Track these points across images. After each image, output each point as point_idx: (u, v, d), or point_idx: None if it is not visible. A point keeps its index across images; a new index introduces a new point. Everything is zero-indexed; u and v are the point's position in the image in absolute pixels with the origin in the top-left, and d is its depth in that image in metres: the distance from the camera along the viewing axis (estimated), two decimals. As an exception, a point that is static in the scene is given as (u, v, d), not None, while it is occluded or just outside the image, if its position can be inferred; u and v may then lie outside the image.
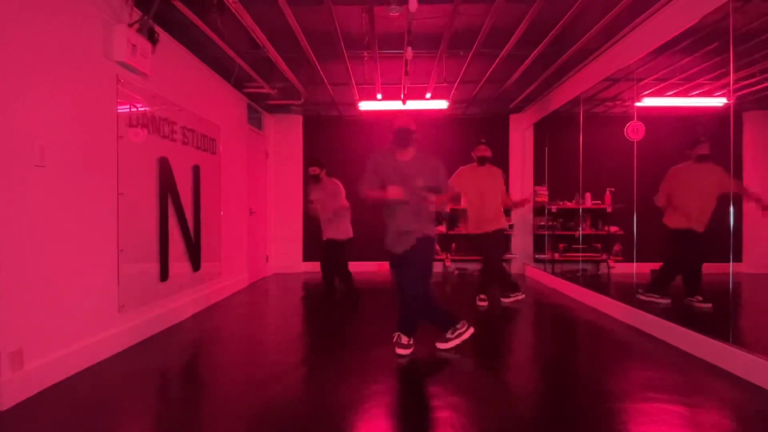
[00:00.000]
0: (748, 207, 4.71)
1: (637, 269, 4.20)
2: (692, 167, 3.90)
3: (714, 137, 3.69)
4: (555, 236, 6.33)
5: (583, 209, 5.99)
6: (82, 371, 2.63)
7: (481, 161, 4.48)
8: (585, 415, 2.10)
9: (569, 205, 6.28)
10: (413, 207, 2.90)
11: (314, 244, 6.99)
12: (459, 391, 2.39)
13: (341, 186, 4.66)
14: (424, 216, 2.98)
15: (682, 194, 3.99)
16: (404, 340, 2.95)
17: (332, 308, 4.48)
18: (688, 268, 4.05)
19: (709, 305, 3.81)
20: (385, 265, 6.95)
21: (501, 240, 4.76)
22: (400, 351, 2.92)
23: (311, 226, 6.98)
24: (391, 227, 2.97)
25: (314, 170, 4.72)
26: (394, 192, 2.81)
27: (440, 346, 3.02)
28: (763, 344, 2.68)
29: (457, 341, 3.03)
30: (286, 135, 6.97)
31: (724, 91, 3.05)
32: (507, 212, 4.80)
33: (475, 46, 4.06)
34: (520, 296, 4.57)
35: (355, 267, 6.93)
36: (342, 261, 4.80)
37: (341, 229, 4.73)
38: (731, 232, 2.84)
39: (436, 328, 3.07)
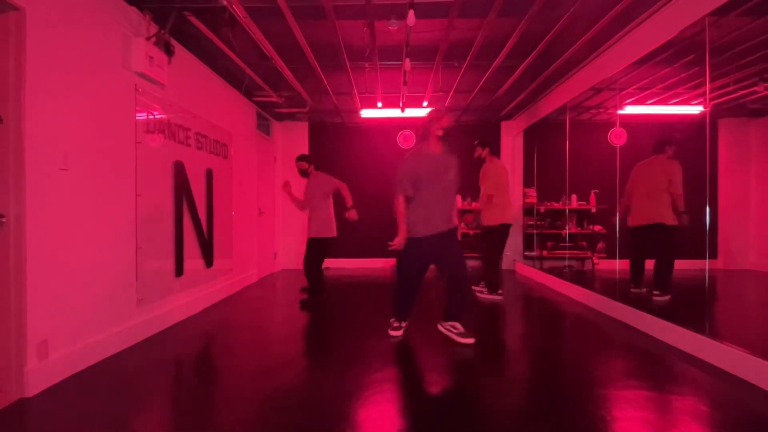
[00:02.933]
0: (724, 206, 4.72)
1: (619, 266, 4.21)
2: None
3: (691, 143, 3.69)
4: (543, 235, 6.32)
5: (569, 209, 5.99)
6: (103, 360, 2.64)
7: (479, 162, 4.62)
8: (571, 400, 2.10)
9: (556, 205, 6.28)
10: (446, 198, 2.98)
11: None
12: (454, 378, 2.39)
13: (329, 177, 4.23)
14: (451, 208, 3.06)
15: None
16: (460, 327, 3.02)
17: (335, 302, 4.47)
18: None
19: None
20: (387, 262, 6.95)
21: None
22: (466, 341, 2.96)
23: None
24: (425, 214, 2.97)
25: (302, 165, 4.29)
26: (398, 242, 3.01)
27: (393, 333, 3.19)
28: (735, 336, 2.68)
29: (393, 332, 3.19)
30: (293, 141, 6.97)
31: (701, 99, 3.05)
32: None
33: (468, 58, 4.06)
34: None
35: (362, 264, 6.99)
36: (312, 261, 4.20)
37: (317, 227, 4.19)
38: (707, 230, 2.85)
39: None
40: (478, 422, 1.89)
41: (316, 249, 4.18)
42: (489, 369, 2.56)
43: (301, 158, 4.33)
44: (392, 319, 3.26)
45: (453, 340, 3.02)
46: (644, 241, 3.98)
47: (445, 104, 5.69)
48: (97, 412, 1.99)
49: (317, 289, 4.25)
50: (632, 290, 4.01)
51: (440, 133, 2.98)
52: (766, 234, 4.77)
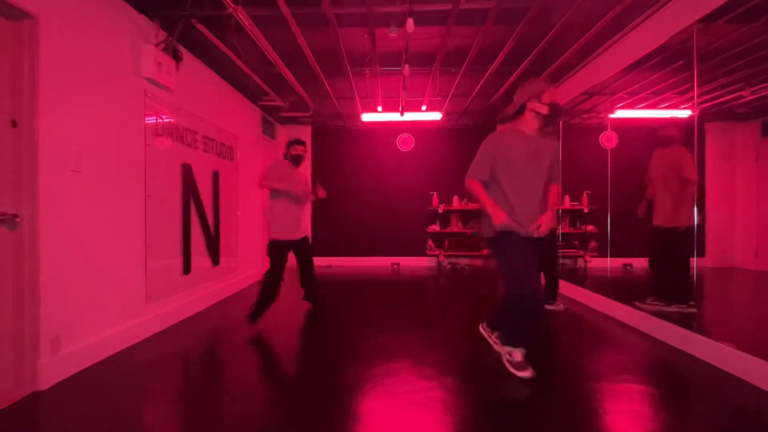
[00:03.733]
0: (711, 206, 4.66)
1: (610, 264, 4.21)
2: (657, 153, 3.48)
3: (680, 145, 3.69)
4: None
5: (562, 210, 5.99)
6: (112, 355, 2.64)
7: None
8: (565, 394, 2.10)
9: (550, 206, 6.26)
10: (536, 192, 2.29)
11: (321, 241, 7.00)
12: (451, 373, 2.39)
13: None
14: (542, 206, 2.32)
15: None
16: (519, 356, 2.31)
17: (338, 300, 4.47)
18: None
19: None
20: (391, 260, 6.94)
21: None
22: (525, 374, 2.24)
23: (318, 225, 6.99)
24: (507, 210, 2.26)
25: (302, 149, 3.59)
26: (500, 218, 2.18)
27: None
28: (721, 331, 2.68)
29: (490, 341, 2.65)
30: (296, 143, 6.96)
31: (689, 104, 3.05)
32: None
33: (465, 63, 4.06)
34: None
35: (366, 262, 6.99)
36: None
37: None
38: (695, 228, 2.84)
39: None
40: (475, 414, 1.88)
41: (310, 248, 3.76)
42: (484, 362, 2.56)
43: (302, 143, 3.65)
44: (507, 349, 2.37)
45: (489, 345, 2.66)
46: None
47: (443, 108, 5.69)
48: (108, 405, 1.99)
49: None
50: (658, 302, 3.22)
51: (543, 109, 2.24)
52: (750, 233, 4.77)
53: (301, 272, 3.73)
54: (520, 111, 2.34)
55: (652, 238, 3.47)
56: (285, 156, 3.62)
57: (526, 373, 2.24)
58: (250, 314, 3.31)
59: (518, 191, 2.28)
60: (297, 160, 3.59)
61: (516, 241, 2.25)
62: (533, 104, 2.27)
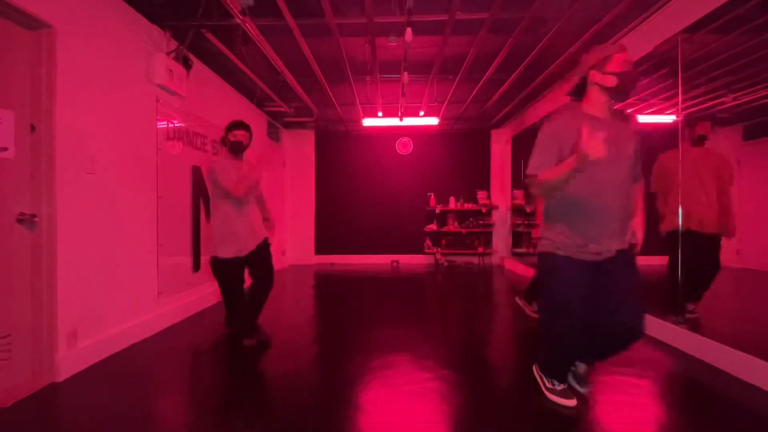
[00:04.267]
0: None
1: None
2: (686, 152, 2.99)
3: (665, 149, 3.69)
4: (530, 233, 6.33)
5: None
6: (126, 348, 2.65)
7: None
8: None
9: (542, 206, 6.27)
10: (618, 190, 1.66)
11: (324, 240, 7.01)
12: (448, 365, 2.40)
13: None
14: (629, 209, 1.72)
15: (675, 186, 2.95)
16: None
17: (340, 296, 4.48)
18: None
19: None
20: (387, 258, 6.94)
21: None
22: (570, 402, 1.82)
23: (321, 224, 7.00)
24: (577, 217, 1.69)
25: (243, 135, 2.65)
26: (593, 141, 1.44)
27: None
28: (707, 325, 2.69)
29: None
30: (301, 147, 6.98)
31: (674, 109, 3.06)
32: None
33: (461, 71, 4.07)
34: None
35: (364, 260, 7.01)
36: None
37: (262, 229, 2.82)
38: (680, 226, 2.85)
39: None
40: (470, 404, 1.89)
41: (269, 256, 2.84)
42: (480, 355, 2.57)
43: (244, 126, 2.67)
44: (545, 379, 1.96)
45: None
46: None
47: (440, 113, 5.70)
48: (122, 396, 2.00)
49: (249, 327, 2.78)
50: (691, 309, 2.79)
51: (609, 81, 1.65)
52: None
53: (254, 286, 2.71)
54: (581, 87, 1.73)
55: (693, 247, 2.85)
56: (223, 142, 2.72)
57: (571, 402, 1.80)
58: (244, 336, 2.74)
59: (593, 194, 1.65)
60: (237, 149, 2.66)
61: (573, 271, 1.69)
62: (596, 75, 1.67)
